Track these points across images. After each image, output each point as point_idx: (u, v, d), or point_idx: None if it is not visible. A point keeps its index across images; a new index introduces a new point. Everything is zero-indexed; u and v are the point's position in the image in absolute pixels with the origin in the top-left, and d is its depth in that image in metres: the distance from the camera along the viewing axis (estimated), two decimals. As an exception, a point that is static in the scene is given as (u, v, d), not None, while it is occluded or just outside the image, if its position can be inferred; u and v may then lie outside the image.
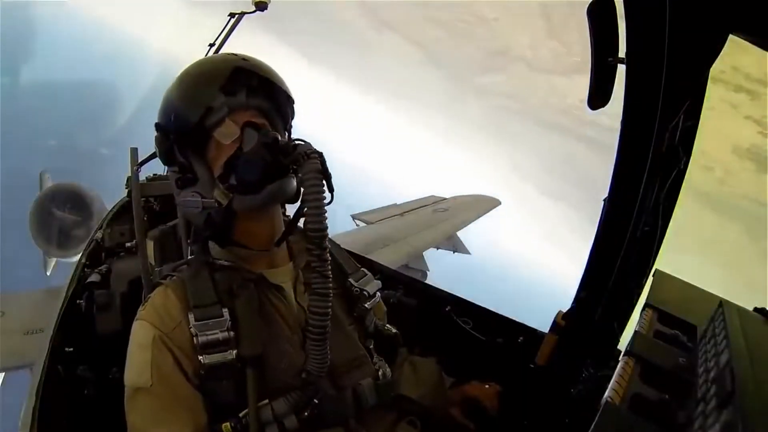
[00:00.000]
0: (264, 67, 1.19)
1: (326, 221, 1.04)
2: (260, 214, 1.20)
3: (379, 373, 1.32)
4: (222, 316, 1.11)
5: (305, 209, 1.05)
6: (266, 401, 1.11)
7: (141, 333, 1.13)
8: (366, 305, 1.35)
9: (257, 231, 1.22)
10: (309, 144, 1.08)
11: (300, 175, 1.04)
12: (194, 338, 1.09)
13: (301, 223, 1.21)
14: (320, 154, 1.05)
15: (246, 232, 1.20)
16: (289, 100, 1.25)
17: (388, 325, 1.46)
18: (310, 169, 1.02)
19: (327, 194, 1.04)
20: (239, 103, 1.16)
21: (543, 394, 1.61)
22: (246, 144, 1.11)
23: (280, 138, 1.10)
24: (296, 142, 1.11)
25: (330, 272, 1.09)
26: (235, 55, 1.19)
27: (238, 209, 1.15)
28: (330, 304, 1.10)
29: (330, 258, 1.10)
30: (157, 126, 1.20)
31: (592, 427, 0.67)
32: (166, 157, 1.20)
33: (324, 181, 1.03)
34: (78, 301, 1.74)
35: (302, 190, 1.04)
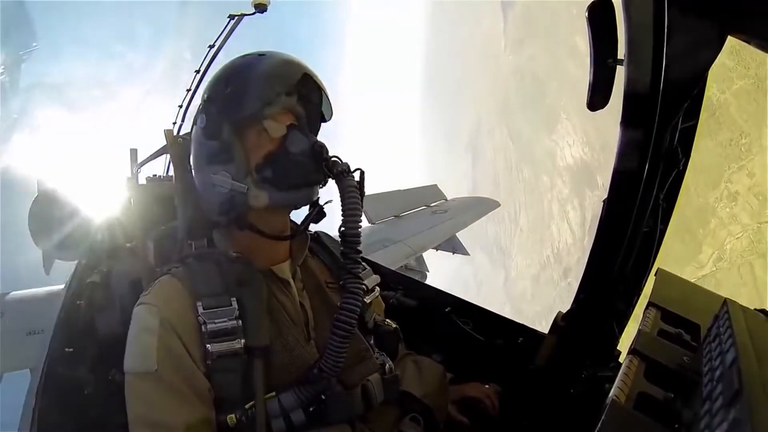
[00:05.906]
0: (322, 83, 1.25)
1: (360, 228, 1.16)
2: (280, 209, 1.23)
3: (385, 367, 1.32)
4: (230, 305, 1.11)
5: (342, 217, 1.15)
6: (273, 394, 1.11)
7: (146, 317, 1.10)
8: (365, 299, 1.35)
9: (271, 223, 1.23)
10: (347, 163, 1.19)
11: (340, 186, 1.15)
12: (202, 326, 1.08)
13: (313, 228, 1.35)
14: (362, 172, 1.19)
15: (260, 221, 1.21)
16: (324, 120, 1.29)
17: (387, 320, 1.46)
18: (350, 184, 1.14)
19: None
20: (290, 105, 1.19)
21: (543, 395, 1.61)
22: (292, 145, 1.16)
23: (326, 149, 1.17)
24: (333, 158, 1.18)
25: (360, 273, 1.19)
26: (298, 60, 1.22)
27: (269, 202, 1.17)
28: (360, 302, 1.17)
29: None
30: (210, 98, 1.19)
31: (599, 425, 0.67)
32: (211, 130, 1.18)
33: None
34: (78, 302, 1.73)
35: (341, 199, 1.15)
